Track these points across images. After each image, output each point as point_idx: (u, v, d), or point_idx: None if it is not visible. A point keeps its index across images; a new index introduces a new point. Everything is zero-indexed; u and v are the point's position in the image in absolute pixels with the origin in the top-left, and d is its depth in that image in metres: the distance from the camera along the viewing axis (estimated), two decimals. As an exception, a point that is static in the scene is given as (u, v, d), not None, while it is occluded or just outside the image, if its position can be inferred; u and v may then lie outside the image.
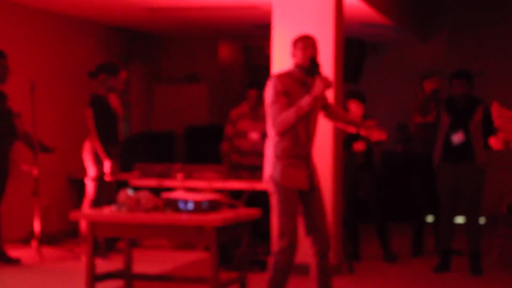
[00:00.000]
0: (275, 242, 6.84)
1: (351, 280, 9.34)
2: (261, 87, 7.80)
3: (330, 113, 7.27)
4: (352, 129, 7.57)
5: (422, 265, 9.96)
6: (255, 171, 10.03)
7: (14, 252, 8.98)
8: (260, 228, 9.96)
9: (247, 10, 11.19)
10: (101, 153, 9.14)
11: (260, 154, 9.85)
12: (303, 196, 6.82)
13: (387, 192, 10.64)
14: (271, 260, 6.86)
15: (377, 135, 7.26)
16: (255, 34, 13.44)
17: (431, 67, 12.23)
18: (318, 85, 6.62)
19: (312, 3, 9.45)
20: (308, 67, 6.78)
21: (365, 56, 13.51)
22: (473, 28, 14.12)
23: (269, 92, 6.75)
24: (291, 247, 6.72)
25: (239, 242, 6.75)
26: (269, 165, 6.80)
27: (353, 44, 12.08)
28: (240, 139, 10.41)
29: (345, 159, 10.05)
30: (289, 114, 6.58)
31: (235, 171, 10.15)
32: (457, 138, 9.13)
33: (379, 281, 9.30)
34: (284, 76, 6.82)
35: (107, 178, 9.21)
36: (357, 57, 12.76)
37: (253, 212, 6.58)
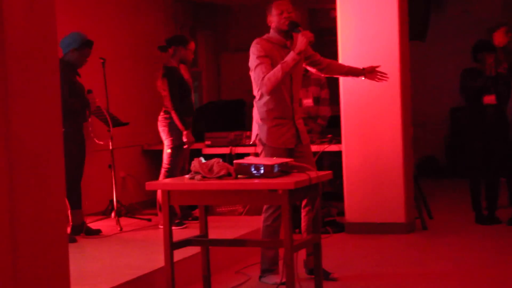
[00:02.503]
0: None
1: (425, 235, 9.49)
2: (324, 51, 7.83)
3: (323, 68, 7.37)
4: (353, 77, 7.62)
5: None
6: (322, 134, 10.14)
7: (94, 224, 9.15)
8: (333, 189, 10.03)
9: None
10: (178, 123, 9.19)
11: (314, 118, 9.95)
12: (290, 152, 7.01)
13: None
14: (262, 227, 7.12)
15: (380, 78, 7.34)
16: None
17: (496, 20, 12.13)
18: (300, 40, 6.72)
19: None
20: (287, 30, 6.96)
21: (430, 12, 13.41)
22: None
23: (252, 57, 6.98)
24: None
25: (314, 203, 6.76)
26: (255, 127, 7.08)
27: (417, 1, 12.01)
28: (310, 104, 10.47)
29: (473, 116, 9.96)
30: (276, 71, 6.72)
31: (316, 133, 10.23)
32: None
33: (452, 235, 9.37)
34: (264, 41, 7.04)
35: (185, 147, 9.30)
36: (422, 14, 12.68)
37: (323, 174, 6.54)
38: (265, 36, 7.11)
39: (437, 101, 14.06)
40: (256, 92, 7.06)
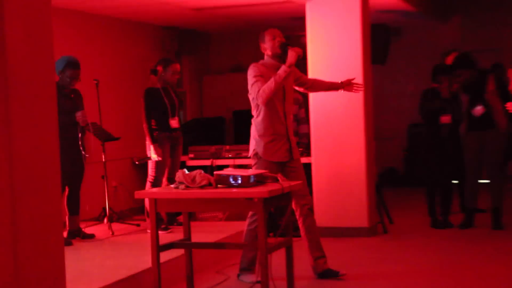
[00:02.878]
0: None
1: (385, 239, 9.51)
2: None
3: (309, 87, 7.51)
4: (333, 91, 7.71)
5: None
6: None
7: (89, 229, 9.12)
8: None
9: (283, 4, 11.18)
10: (147, 138, 9.15)
11: (294, 133, 9.93)
12: (283, 166, 7.03)
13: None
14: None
15: (356, 89, 7.49)
16: (291, 26, 13.43)
17: (450, 46, 12.22)
18: (291, 55, 6.86)
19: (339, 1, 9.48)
20: (280, 53, 7.03)
21: (390, 39, 13.49)
22: (485, 9, 14.02)
23: (249, 78, 6.97)
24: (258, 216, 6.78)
25: (284, 211, 6.77)
26: (252, 143, 7.03)
27: (379, 29, 12.05)
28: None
29: (430, 132, 10.06)
30: (269, 83, 6.79)
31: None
32: (476, 112, 9.23)
33: (410, 238, 9.43)
34: (259, 65, 7.07)
35: (154, 159, 9.18)
36: (383, 41, 12.75)
37: (294, 183, 6.55)
38: (260, 62, 7.15)
39: (396, 118, 14.10)
40: (254, 111, 7.07)
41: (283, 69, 6.82)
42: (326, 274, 7.26)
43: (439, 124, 9.76)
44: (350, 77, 7.72)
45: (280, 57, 7.03)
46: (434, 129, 9.84)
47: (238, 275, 7.20)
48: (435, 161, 9.91)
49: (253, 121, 7.08)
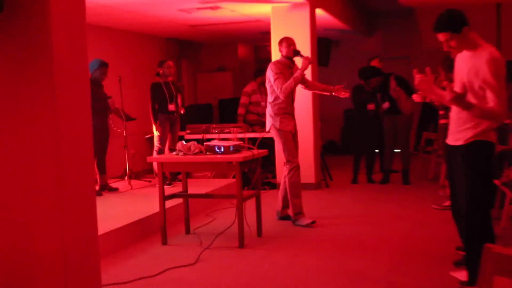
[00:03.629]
0: (286, 166, 7.04)
1: (327, 191, 9.58)
2: (264, 73, 7.83)
3: (308, 85, 7.41)
4: (326, 93, 7.57)
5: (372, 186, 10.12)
6: (263, 126, 10.14)
7: (114, 184, 9.12)
8: (268, 161, 10.07)
9: (254, 22, 11.19)
10: (152, 119, 9.15)
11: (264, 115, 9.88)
12: (292, 135, 7.09)
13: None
14: (285, 179, 7.07)
15: (343, 94, 7.33)
16: (260, 38, 13.42)
17: (373, 53, 12.22)
18: (304, 62, 6.89)
19: (296, 17, 9.51)
20: (292, 56, 7.04)
21: (331, 48, 13.52)
22: (398, 26, 14.04)
23: (270, 73, 6.99)
24: (297, 166, 7.03)
25: (255, 171, 6.79)
26: (269, 120, 7.05)
27: (323, 41, 12.07)
28: (255, 106, 10.52)
29: (358, 116, 10.20)
30: (290, 82, 6.87)
31: (251, 126, 10.25)
32: (384, 106, 9.56)
33: (344, 187, 9.55)
34: (277, 63, 7.07)
35: (156, 134, 9.23)
36: (326, 49, 12.77)
37: (262, 151, 6.56)
38: (276, 60, 7.17)
39: (335, 105, 14.09)
40: (270, 96, 7.08)
41: (299, 73, 6.91)
42: (285, 218, 7.28)
43: (366, 110, 9.86)
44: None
45: (290, 59, 7.08)
46: (362, 113, 9.94)
47: (294, 221, 7.05)
48: (362, 136, 9.99)
49: (269, 103, 7.10)
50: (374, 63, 10.28)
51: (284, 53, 7.08)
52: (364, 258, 5.53)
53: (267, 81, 7.13)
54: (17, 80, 3.67)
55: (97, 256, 4.01)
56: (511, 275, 2.68)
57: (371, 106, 9.84)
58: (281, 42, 7.16)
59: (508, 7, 12.89)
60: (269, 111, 7.11)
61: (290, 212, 7.19)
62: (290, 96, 7.03)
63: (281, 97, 6.91)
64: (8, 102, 3.69)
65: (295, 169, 7.00)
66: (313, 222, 6.93)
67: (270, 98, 7.10)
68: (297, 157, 7.12)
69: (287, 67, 7.05)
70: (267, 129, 7.22)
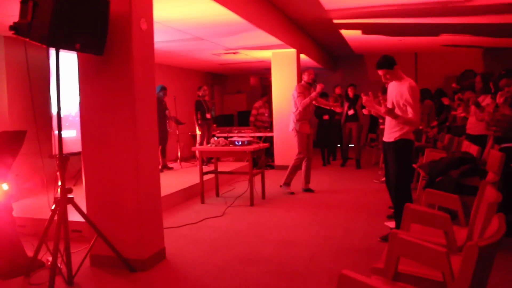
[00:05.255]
0: (297, 155, 6.77)
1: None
2: (268, 95, 7.71)
3: (317, 101, 6.99)
4: (327, 107, 7.40)
5: (336, 165, 9.99)
6: (266, 129, 10.10)
7: (170, 164, 9.05)
8: (269, 151, 10.05)
9: (260, 62, 11.10)
10: (196, 124, 9.03)
11: (268, 123, 9.82)
12: (308, 136, 6.80)
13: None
14: (293, 162, 6.82)
15: (338, 109, 7.22)
16: (264, 72, 13.36)
17: (338, 82, 12.14)
18: (318, 89, 6.56)
19: (287, 59, 9.36)
20: (311, 82, 6.77)
21: None
22: (351, 66, 13.92)
23: (295, 92, 6.73)
24: (303, 157, 6.79)
25: (260, 158, 6.78)
26: (292, 123, 6.75)
27: None
28: (261, 116, 10.44)
29: (318, 123, 10.13)
30: (307, 100, 6.60)
31: (258, 129, 10.21)
32: (350, 112, 9.22)
33: (320, 169, 9.29)
34: (301, 85, 6.78)
35: (198, 133, 9.11)
36: None
37: (265, 145, 6.52)
38: (300, 84, 6.82)
39: (312, 115, 14.02)
40: (294, 107, 6.76)
41: (313, 94, 6.62)
42: (307, 190, 7.00)
43: (323, 119, 9.88)
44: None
45: (310, 84, 6.81)
46: (321, 121, 9.94)
47: (281, 186, 6.94)
48: (324, 136, 9.93)
49: (293, 113, 6.78)
50: (338, 88, 10.26)
51: (305, 79, 6.80)
52: (329, 213, 5.51)
53: (292, 97, 6.82)
54: (114, 99, 3.69)
55: (160, 210, 4.01)
56: (421, 222, 2.72)
57: (325, 117, 9.85)
58: (304, 72, 6.86)
59: (422, 55, 12.88)
60: (292, 117, 6.79)
61: (308, 186, 6.98)
62: (307, 109, 6.76)
63: (301, 108, 6.65)
64: (110, 114, 3.72)
65: (300, 159, 6.79)
66: (292, 193, 6.78)
67: (293, 109, 6.77)
68: (305, 152, 6.79)
69: (306, 88, 6.79)
70: (290, 129, 6.87)
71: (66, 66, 6.60)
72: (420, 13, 7.87)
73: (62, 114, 6.69)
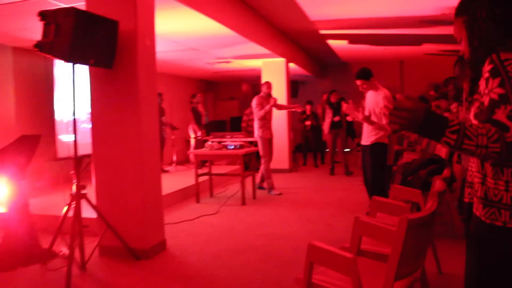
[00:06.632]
0: (262, 159, 7.08)
1: (297, 173, 9.72)
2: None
3: (278, 107, 7.25)
4: (289, 110, 7.96)
5: (324, 170, 10.36)
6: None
7: (165, 167, 9.30)
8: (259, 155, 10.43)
9: (252, 70, 11.39)
10: (195, 128, 9.37)
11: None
12: (270, 141, 7.08)
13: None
14: (261, 167, 7.08)
15: (299, 109, 7.43)
16: (255, 79, 13.70)
17: (326, 89, 12.53)
18: (272, 101, 6.86)
19: (277, 68, 9.68)
20: (269, 94, 7.01)
21: (298, 86, 13.79)
22: (339, 74, 14.37)
23: (255, 103, 6.97)
24: (269, 160, 7.03)
25: (251, 161, 7.18)
26: (256, 130, 7.02)
27: (293, 82, 12.31)
28: (252, 122, 10.74)
29: (302, 128, 10.63)
30: (261, 112, 6.82)
31: (249, 134, 10.58)
32: (335, 119, 9.49)
33: (308, 172, 9.67)
34: (259, 97, 7.03)
35: (198, 138, 9.46)
36: (294, 87, 12.93)
37: (255, 148, 6.80)
38: (259, 95, 7.07)
39: (297, 122, 14.42)
40: (256, 118, 7.01)
41: (268, 107, 6.89)
42: (260, 188, 7.41)
43: (305, 125, 10.53)
44: (283, 103, 8.11)
45: (268, 95, 7.05)
46: (304, 128, 10.59)
47: (269, 191, 7.17)
48: (308, 140, 10.62)
49: (255, 122, 7.06)
50: (333, 95, 9.91)
51: (264, 91, 7.14)
52: (314, 211, 5.90)
53: (252, 107, 7.15)
54: (121, 106, 4.11)
55: (161, 206, 4.40)
56: (385, 211, 3.23)
57: (307, 123, 10.47)
58: (263, 84, 7.20)
59: (407, 63, 13.39)
60: (255, 125, 7.16)
61: (264, 185, 7.32)
62: (267, 117, 7.02)
63: (258, 119, 6.96)
64: (118, 119, 4.13)
65: (267, 162, 7.06)
66: (280, 194, 7.06)
67: (255, 118, 7.14)
68: (269, 155, 7.05)
69: (264, 99, 7.08)
70: (255, 136, 7.23)
71: (70, 75, 7.04)
72: (401, 24, 8.40)
73: (65, 120, 7.14)
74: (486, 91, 1.41)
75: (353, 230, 2.63)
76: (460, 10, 1.59)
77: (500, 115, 1.34)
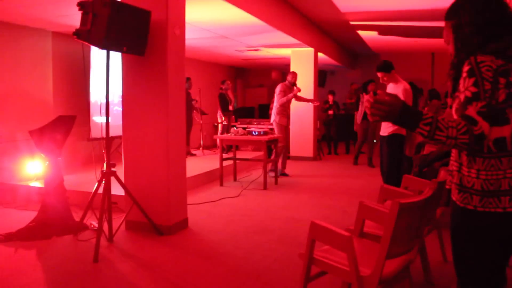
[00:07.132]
0: (278, 145, 7.12)
1: (320, 162, 9.79)
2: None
3: (297, 98, 7.45)
4: (307, 102, 8.11)
5: (349, 159, 10.37)
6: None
7: (194, 151, 9.52)
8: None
9: (281, 59, 11.45)
10: (221, 114, 9.56)
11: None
12: (286, 128, 7.28)
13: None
14: (277, 151, 7.17)
15: (316, 103, 8.00)
16: (284, 67, 13.79)
17: (355, 80, 12.56)
18: (296, 90, 7.10)
19: (305, 57, 9.72)
20: (293, 84, 7.24)
21: (326, 76, 13.82)
22: (368, 65, 14.23)
23: (279, 89, 7.19)
24: (284, 145, 7.18)
25: (276, 146, 7.14)
26: (273, 116, 7.21)
27: (321, 72, 12.36)
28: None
29: (325, 116, 10.78)
30: (284, 99, 7.06)
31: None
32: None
33: (331, 161, 9.73)
34: (283, 84, 7.25)
35: (224, 123, 9.62)
36: (322, 77, 13.05)
37: (278, 136, 6.91)
38: (284, 83, 7.33)
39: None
40: (275, 103, 7.26)
41: (291, 95, 7.13)
42: (283, 174, 7.57)
43: (328, 114, 10.75)
44: (310, 92, 8.21)
45: (292, 84, 7.31)
46: (325, 116, 10.84)
47: (280, 174, 7.45)
48: (330, 129, 10.79)
49: (274, 107, 7.28)
50: (372, 86, 9.20)
51: (289, 80, 7.37)
52: (333, 198, 6.06)
53: (275, 94, 7.36)
54: (151, 91, 4.36)
55: (185, 186, 4.64)
56: (392, 198, 3.40)
57: (330, 112, 10.67)
58: (289, 73, 7.42)
59: (440, 55, 13.25)
60: (273, 111, 7.35)
61: (284, 171, 7.57)
62: (285, 105, 7.25)
63: (280, 105, 7.18)
64: (147, 103, 4.38)
65: (282, 147, 7.23)
66: (287, 175, 7.41)
67: (275, 104, 7.34)
68: (284, 141, 7.26)
69: (288, 87, 7.31)
70: (271, 121, 7.39)
71: (104, 61, 7.37)
72: (433, 17, 8.36)
73: (99, 103, 7.50)
74: (463, 89, 1.59)
75: (357, 214, 2.84)
76: (449, 14, 1.76)
77: (471, 110, 1.53)
